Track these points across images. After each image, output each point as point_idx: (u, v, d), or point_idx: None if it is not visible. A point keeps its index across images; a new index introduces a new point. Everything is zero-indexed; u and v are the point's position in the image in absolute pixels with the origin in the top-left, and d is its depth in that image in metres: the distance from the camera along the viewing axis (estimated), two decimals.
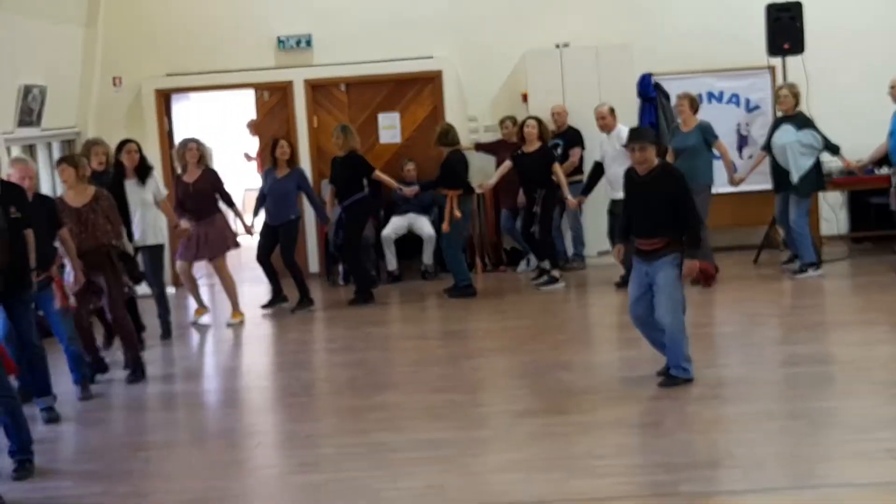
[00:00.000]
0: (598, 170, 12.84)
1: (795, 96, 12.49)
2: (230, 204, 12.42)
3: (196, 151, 12.14)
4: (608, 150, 12.52)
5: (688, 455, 6.87)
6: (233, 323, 12.14)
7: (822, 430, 7.35)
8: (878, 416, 7.46)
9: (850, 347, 9.40)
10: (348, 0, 14.85)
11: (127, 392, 9.73)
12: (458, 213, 12.63)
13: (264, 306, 12.77)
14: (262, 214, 12.74)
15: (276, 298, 12.79)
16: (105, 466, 7.50)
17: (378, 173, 12.98)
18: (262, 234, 12.75)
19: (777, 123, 12.63)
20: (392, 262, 14.09)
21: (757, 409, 7.74)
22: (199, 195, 12.05)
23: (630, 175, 8.66)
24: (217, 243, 12.08)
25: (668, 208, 8.40)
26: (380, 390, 9.01)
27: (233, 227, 12.70)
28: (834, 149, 12.59)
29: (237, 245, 12.31)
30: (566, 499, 6.26)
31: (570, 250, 14.14)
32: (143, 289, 11.62)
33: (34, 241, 8.37)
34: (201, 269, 14.27)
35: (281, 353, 11.22)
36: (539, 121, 12.99)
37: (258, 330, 12.11)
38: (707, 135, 12.48)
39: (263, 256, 12.67)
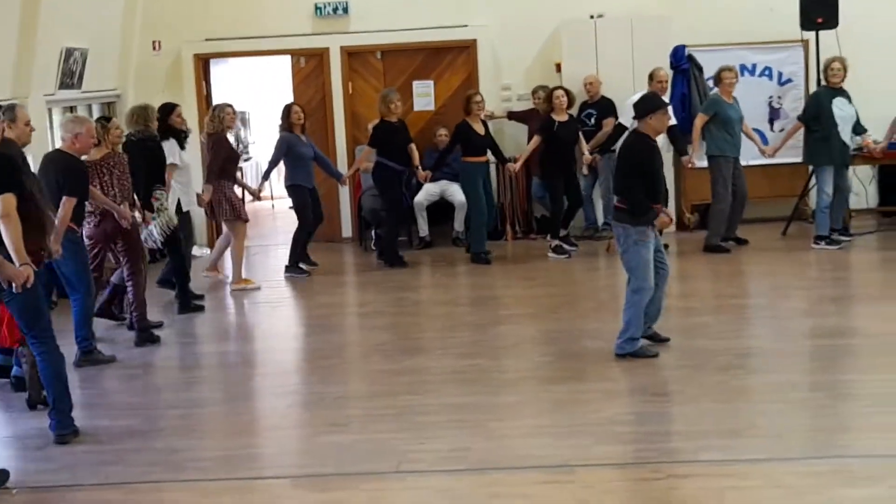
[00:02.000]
0: (620, 132, 12.89)
1: (846, 70, 12.53)
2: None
3: (233, 115, 12.31)
4: None
5: (709, 424, 6.98)
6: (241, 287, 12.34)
7: (843, 402, 7.46)
8: None
9: (874, 321, 9.45)
10: None
11: (160, 353, 9.94)
12: None
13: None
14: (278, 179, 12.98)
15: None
16: (140, 423, 7.68)
17: (413, 145, 13.26)
18: (312, 198, 12.99)
19: (831, 96, 12.55)
20: (424, 228, 14.24)
21: (780, 381, 7.84)
22: (238, 158, 12.26)
23: (647, 142, 8.62)
24: (241, 207, 12.32)
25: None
26: (409, 354, 9.17)
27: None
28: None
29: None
30: (590, 464, 6.37)
31: (600, 219, 14.22)
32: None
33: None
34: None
35: (312, 317, 11.38)
36: (567, 91, 13.23)
37: (290, 292, 12.30)
38: None
39: (319, 220, 13.06)
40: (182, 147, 11.73)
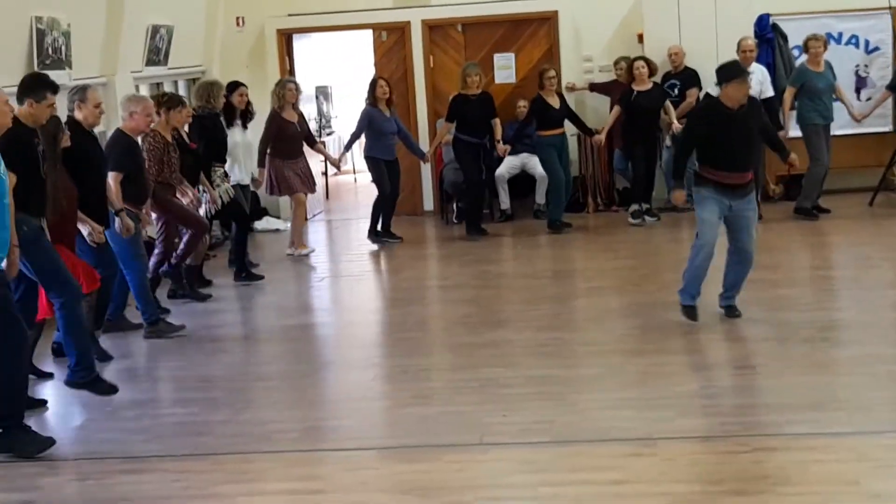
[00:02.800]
0: None
1: None
2: (314, 144, 12.82)
3: (296, 92, 12.37)
4: None
5: (795, 397, 6.92)
6: (296, 253, 12.49)
7: None
8: None
9: None
10: None
11: (241, 326, 10.09)
12: None
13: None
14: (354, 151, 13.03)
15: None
16: (227, 395, 7.79)
17: (497, 120, 13.23)
18: (390, 171, 13.06)
19: None
20: (505, 201, 14.24)
21: (866, 353, 7.75)
22: (300, 136, 12.38)
23: (717, 109, 8.54)
24: (309, 181, 12.47)
25: (760, 140, 8.71)
26: (491, 327, 9.19)
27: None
28: None
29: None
30: (673, 437, 6.35)
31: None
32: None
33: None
34: (318, 205, 14.60)
35: (394, 289, 11.46)
36: (648, 60, 13.26)
37: (372, 266, 12.38)
38: None
39: (395, 194, 13.15)
40: (242, 126, 11.71)
